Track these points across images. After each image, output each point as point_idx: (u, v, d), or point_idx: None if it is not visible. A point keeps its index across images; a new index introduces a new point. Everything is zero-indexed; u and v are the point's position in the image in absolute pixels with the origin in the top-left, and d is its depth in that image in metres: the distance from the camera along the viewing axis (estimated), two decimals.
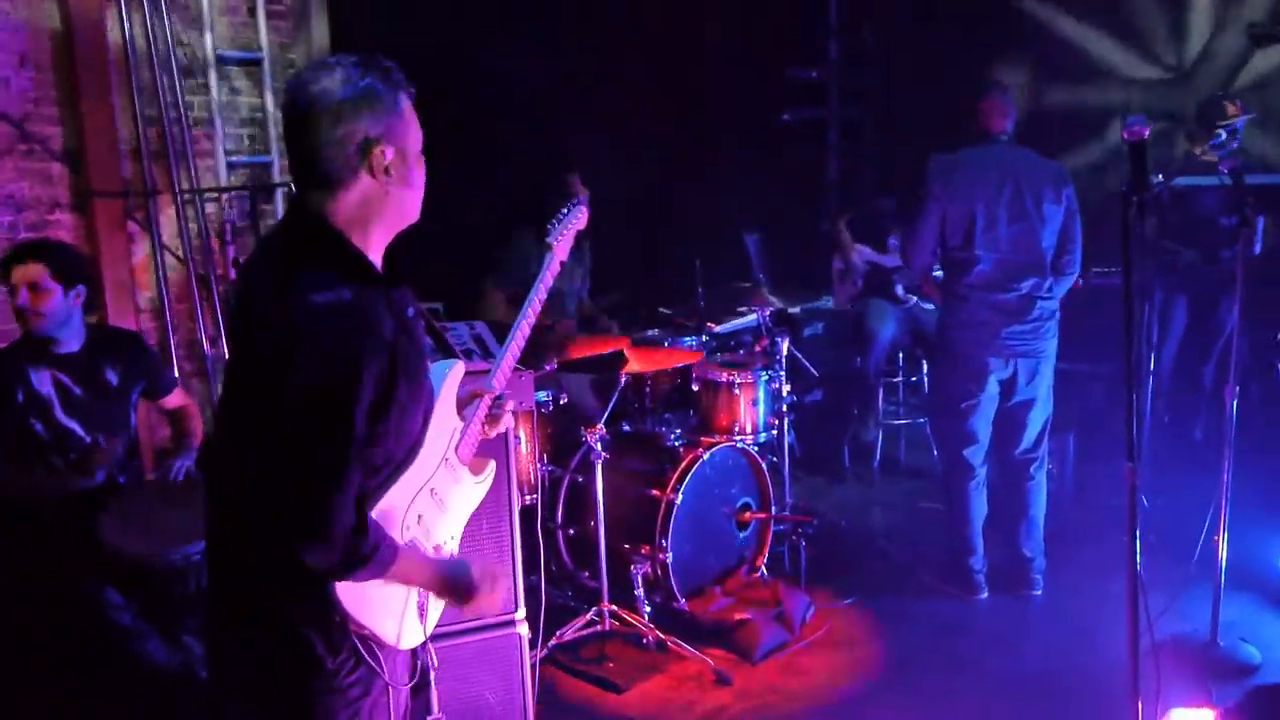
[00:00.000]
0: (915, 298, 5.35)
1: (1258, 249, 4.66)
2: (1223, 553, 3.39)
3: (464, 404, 2.05)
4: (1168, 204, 4.86)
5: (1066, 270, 3.93)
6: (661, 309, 5.19)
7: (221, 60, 4.63)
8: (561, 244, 2.26)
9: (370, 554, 1.64)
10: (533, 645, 3.11)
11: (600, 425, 3.69)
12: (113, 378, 3.28)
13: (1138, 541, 2.41)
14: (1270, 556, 4.03)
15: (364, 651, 1.75)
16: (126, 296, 4.40)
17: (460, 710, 2.85)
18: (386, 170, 1.70)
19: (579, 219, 2.33)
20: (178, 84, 4.48)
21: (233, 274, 4.63)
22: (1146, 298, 4.73)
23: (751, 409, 4.14)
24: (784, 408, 4.21)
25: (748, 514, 4.03)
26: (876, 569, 4.36)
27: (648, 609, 3.74)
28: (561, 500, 3.93)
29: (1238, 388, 3.37)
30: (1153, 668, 2.48)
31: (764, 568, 4.11)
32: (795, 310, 5.61)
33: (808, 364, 5.72)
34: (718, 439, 4.00)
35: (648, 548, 3.73)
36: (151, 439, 4.38)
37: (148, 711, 2.89)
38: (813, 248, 7.06)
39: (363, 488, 1.70)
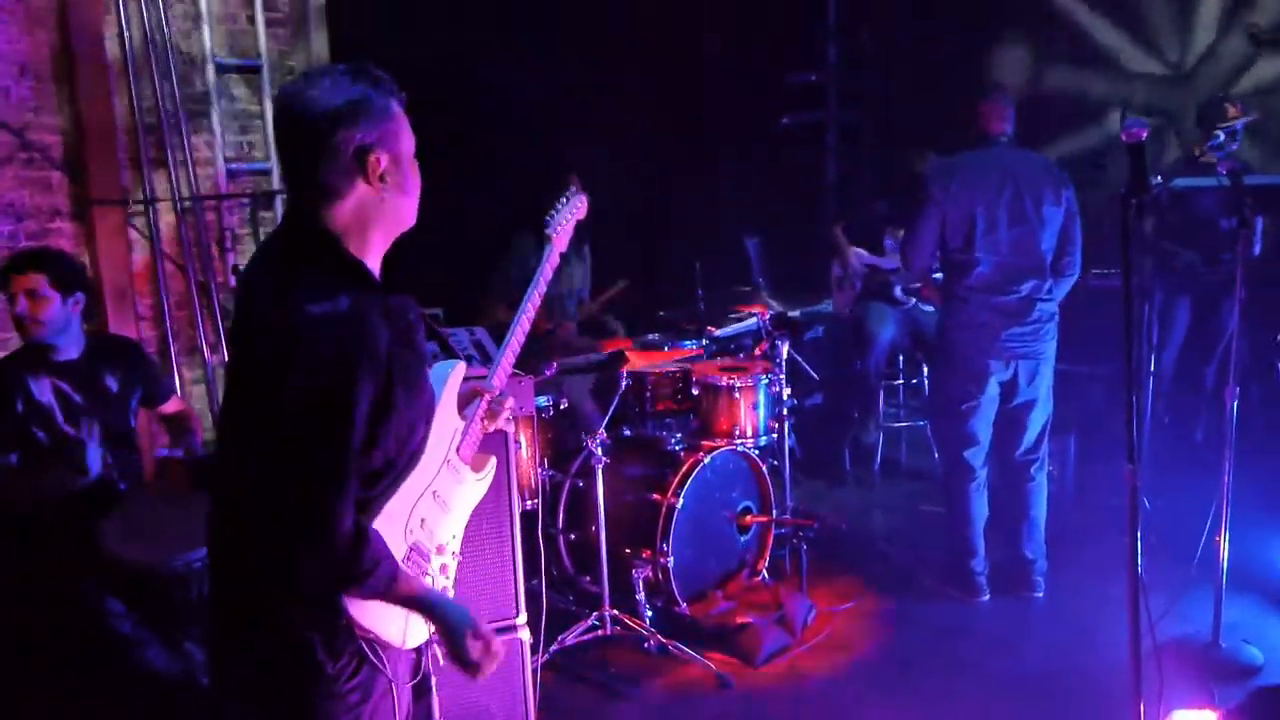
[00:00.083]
0: (914, 299, 5.36)
1: (1257, 250, 4.67)
2: (1224, 554, 3.39)
3: (464, 402, 2.05)
4: (1167, 205, 4.86)
5: (1066, 272, 3.93)
6: (662, 313, 5.19)
7: (220, 68, 4.64)
8: (561, 235, 2.26)
9: (369, 569, 1.65)
10: (534, 650, 3.11)
11: (601, 430, 3.69)
12: (112, 384, 3.29)
13: (1139, 543, 2.40)
14: (1272, 557, 4.03)
15: (369, 653, 1.75)
16: (127, 304, 4.40)
17: (462, 716, 2.85)
18: (382, 177, 1.70)
19: (578, 209, 2.32)
20: (177, 92, 4.49)
21: (233, 281, 4.64)
22: (1147, 299, 4.73)
23: (752, 412, 4.14)
24: (784, 411, 4.21)
25: (749, 518, 4.03)
26: (878, 572, 4.36)
27: (649, 613, 3.74)
28: (562, 505, 3.93)
29: (1238, 389, 3.36)
30: (1154, 669, 2.48)
31: (765, 571, 4.10)
32: (795, 313, 5.61)
33: (808, 367, 5.72)
34: (718, 443, 4.00)
35: (649, 552, 3.73)
36: (152, 446, 4.38)
37: (149, 719, 2.88)
38: (812, 251, 7.06)
39: (365, 495, 1.71)
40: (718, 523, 3.97)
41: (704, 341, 4.68)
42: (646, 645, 3.63)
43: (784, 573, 4.19)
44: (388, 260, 1.81)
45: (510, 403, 2.17)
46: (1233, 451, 3.35)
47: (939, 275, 4.47)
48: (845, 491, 5.42)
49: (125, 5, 4.31)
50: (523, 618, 3.02)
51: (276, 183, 4.80)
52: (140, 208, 4.46)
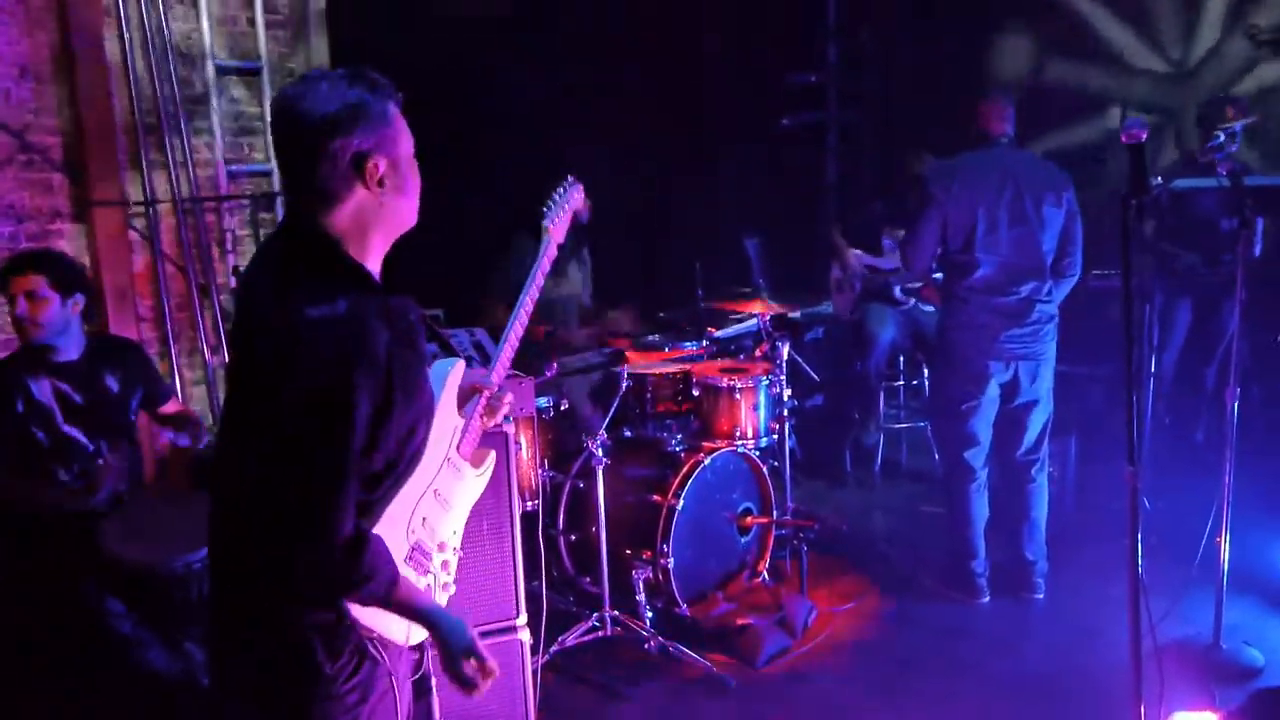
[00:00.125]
0: (913, 299, 5.36)
1: (1258, 251, 4.67)
2: (1225, 555, 3.39)
3: (463, 399, 2.05)
4: (1167, 206, 4.86)
5: (1067, 272, 3.94)
6: (662, 314, 5.19)
7: (220, 70, 4.64)
8: (558, 226, 2.25)
9: (366, 576, 1.65)
10: (534, 651, 3.11)
11: (601, 431, 3.69)
12: (113, 385, 3.29)
13: (1139, 544, 2.40)
14: (1273, 559, 4.03)
15: (372, 651, 1.76)
16: (127, 305, 4.40)
17: (462, 717, 2.84)
18: (380, 182, 1.70)
19: (575, 198, 2.30)
20: (177, 94, 4.49)
21: (233, 282, 4.64)
22: (1147, 300, 4.72)
23: (752, 414, 4.13)
24: (785, 412, 4.21)
25: (749, 519, 4.03)
26: (878, 573, 4.36)
27: (649, 614, 3.74)
28: (563, 506, 3.93)
29: (1239, 390, 3.36)
30: (1155, 671, 2.48)
31: (765, 572, 4.10)
32: (796, 315, 5.61)
33: (808, 368, 5.72)
34: (719, 444, 4.00)
35: (649, 553, 3.72)
36: (153, 447, 4.38)
37: (149, 719, 2.88)
38: (812, 252, 7.06)
39: (366, 498, 1.71)
40: (718, 524, 3.97)
41: (704, 343, 4.67)
42: (647, 646, 3.63)
43: (784, 574, 4.19)
44: (388, 261, 1.81)
45: (509, 398, 2.16)
46: (1233, 452, 3.35)
47: (939, 275, 4.47)
48: (846, 493, 5.42)
49: (125, 7, 4.32)
50: (523, 618, 3.02)
51: (276, 184, 4.80)
52: (141, 209, 4.46)
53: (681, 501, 3.70)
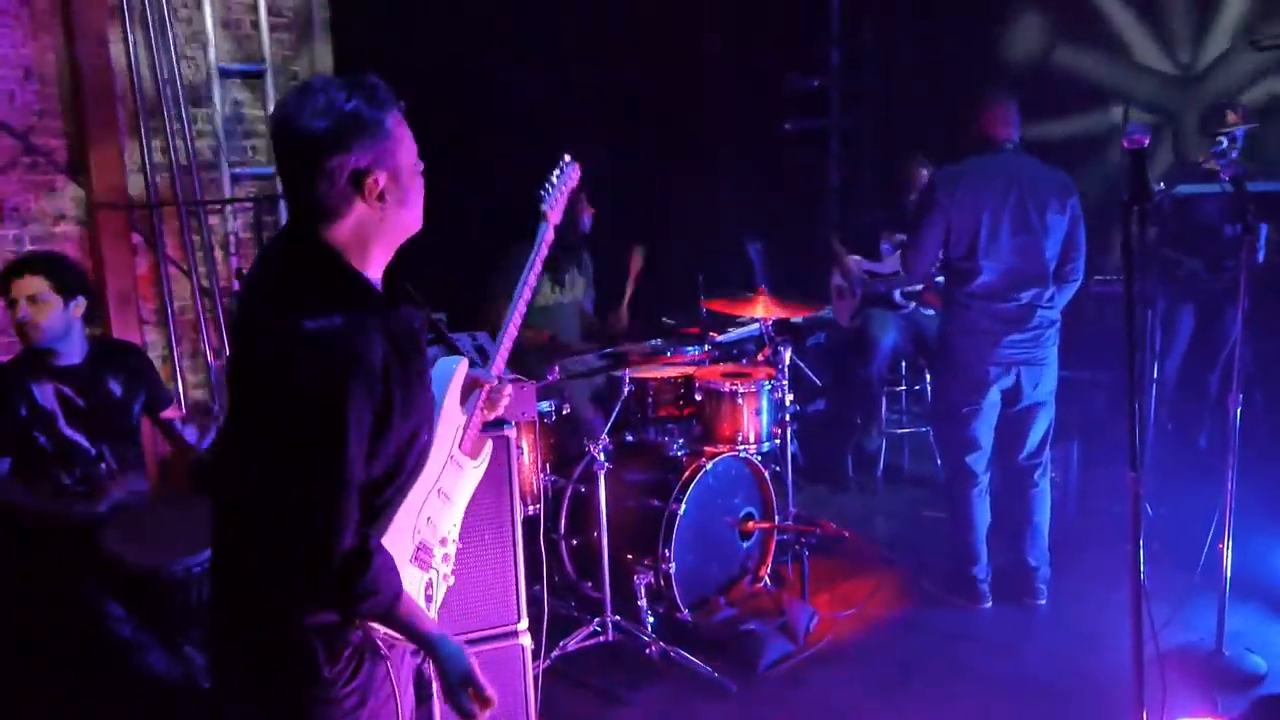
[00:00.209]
0: (913, 303, 5.36)
1: (1261, 257, 4.66)
2: (1228, 561, 3.38)
3: (464, 395, 2.05)
4: (1169, 212, 4.85)
5: (1070, 278, 3.93)
6: (664, 319, 5.19)
7: (224, 73, 4.65)
8: (555, 209, 2.21)
9: (364, 594, 1.65)
10: (535, 656, 3.11)
11: (603, 435, 3.69)
12: (115, 388, 3.29)
13: (1141, 550, 2.40)
14: (1276, 565, 4.01)
15: (381, 649, 1.76)
16: (131, 308, 4.41)
17: None
18: (380, 196, 1.68)
19: (571, 179, 2.26)
20: (181, 96, 4.50)
21: (236, 285, 4.64)
22: (1149, 305, 4.72)
23: (754, 418, 4.13)
24: (787, 417, 4.20)
25: (751, 524, 4.02)
26: (881, 578, 4.35)
27: (651, 619, 3.73)
28: (564, 510, 3.93)
29: (1241, 395, 3.36)
30: (1158, 677, 2.48)
31: (767, 577, 4.10)
32: (798, 319, 5.61)
33: (810, 373, 5.72)
34: (721, 449, 4.00)
35: (651, 558, 3.72)
36: (155, 451, 4.38)
37: None
38: (814, 256, 7.06)
39: (370, 505, 1.71)
40: (720, 529, 3.96)
41: (706, 347, 4.67)
42: (648, 651, 3.63)
43: (786, 579, 4.18)
44: (391, 265, 1.80)
45: (509, 389, 2.16)
46: (1236, 458, 3.34)
47: (940, 279, 4.47)
48: (848, 498, 5.42)
49: (130, 10, 4.33)
50: (524, 623, 3.02)
51: (280, 187, 4.81)
52: (144, 212, 4.47)
53: (683, 506, 3.70)
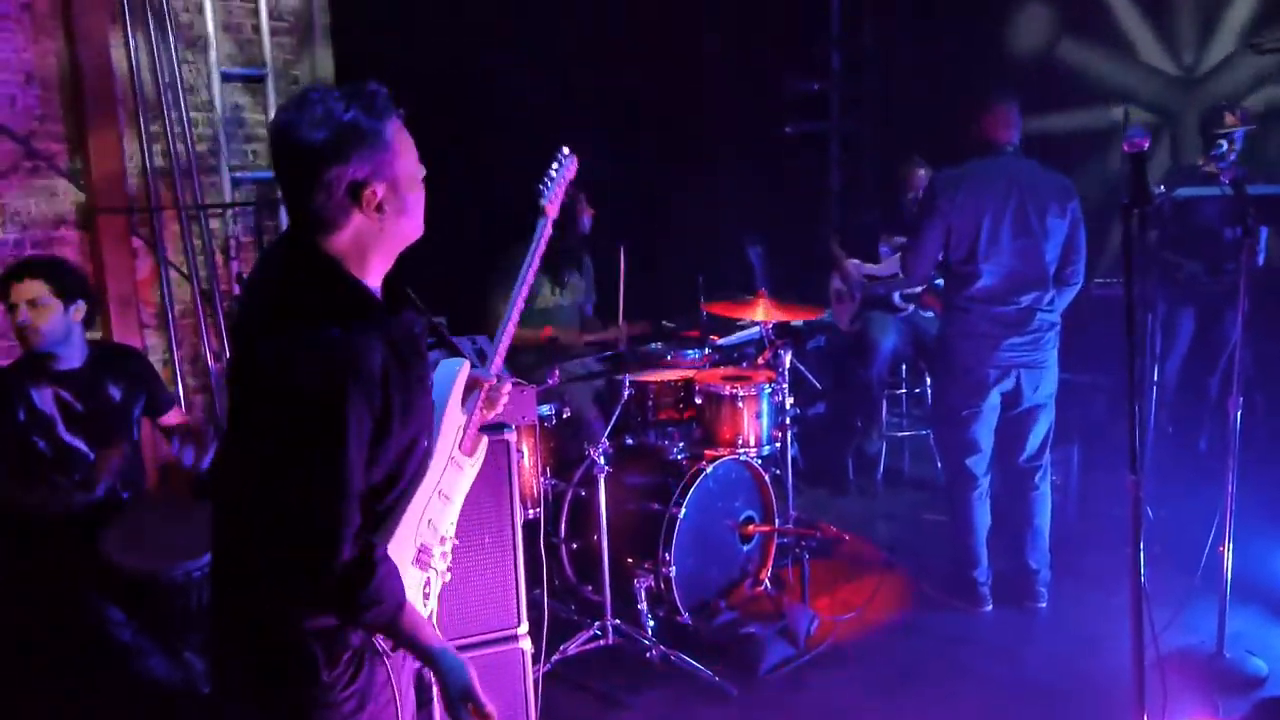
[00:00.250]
0: (912, 305, 5.36)
1: (1261, 260, 4.66)
2: (1228, 564, 3.38)
3: (465, 395, 2.05)
4: (1169, 215, 4.85)
5: (1070, 281, 3.94)
6: (664, 322, 5.19)
7: (225, 77, 4.66)
8: (553, 203, 2.19)
9: (372, 601, 1.65)
10: (536, 660, 3.11)
11: (603, 439, 3.69)
12: (115, 393, 3.29)
13: (1142, 553, 2.40)
14: (1276, 567, 4.01)
15: (381, 650, 1.76)
16: (131, 312, 4.41)
17: None
18: (379, 207, 1.68)
19: (569, 171, 2.24)
20: (182, 101, 4.51)
21: (237, 289, 4.65)
22: (1150, 308, 4.72)
23: (755, 422, 4.13)
24: (787, 420, 4.20)
25: (751, 527, 4.02)
26: (881, 582, 4.34)
27: (651, 623, 3.73)
28: (564, 514, 3.93)
29: (1241, 398, 3.36)
30: (1158, 680, 2.48)
31: (768, 581, 4.09)
32: (798, 322, 5.61)
33: (811, 376, 5.71)
34: (721, 452, 4.00)
35: (651, 562, 3.72)
36: (155, 456, 4.38)
37: None
38: (815, 259, 7.07)
39: (372, 511, 1.71)
40: (720, 532, 3.96)
41: (706, 351, 4.67)
42: (649, 655, 3.63)
43: (787, 582, 4.18)
44: (391, 270, 1.80)
45: (507, 387, 2.15)
46: (1236, 461, 3.34)
47: (940, 282, 4.47)
48: (848, 501, 5.42)
49: (131, 14, 4.33)
50: (524, 627, 3.02)
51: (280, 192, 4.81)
52: (145, 216, 4.47)
53: (684, 510, 3.70)
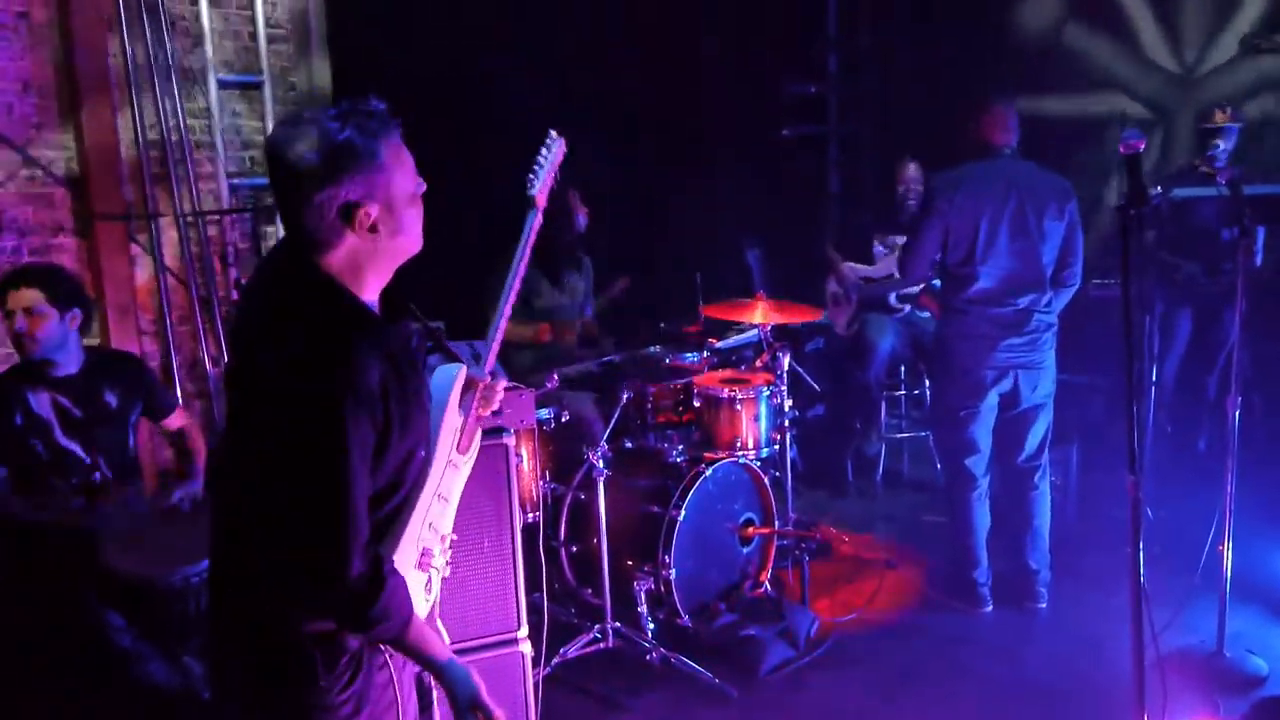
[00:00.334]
0: (908, 305, 5.36)
1: (1258, 260, 4.67)
2: (1228, 563, 3.38)
3: (461, 397, 2.06)
4: (1167, 216, 4.86)
5: (1068, 283, 3.94)
6: (662, 324, 5.19)
7: (222, 84, 4.66)
8: (542, 193, 2.14)
9: (381, 616, 1.65)
10: (535, 663, 3.11)
11: (602, 442, 3.69)
12: (112, 399, 3.29)
13: (1141, 553, 2.40)
14: (1276, 567, 4.01)
15: (377, 648, 1.76)
16: (129, 318, 4.41)
17: None
18: (373, 228, 1.67)
19: (557, 155, 2.19)
20: (179, 108, 4.51)
21: (235, 295, 4.65)
22: (1147, 309, 4.73)
23: (753, 424, 4.13)
24: (786, 422, 4.20)
25: (751, 529, 4.02)
26: (881, 583, 4.34)
27: (651, 626, 3.73)
28: (564, 517, 3.93)
29: (1240, 399, 3.36)
30: (1158, 680, 2.48)
31: (767, 583, 4.09)
32: (796, 324, 5.61)
33: (809, 378, 5.71)
34: (720, 454, 4.00)
35: (651, 564, 3.72)
36: (154, 460, 4.38)
37: None
38: (814, 261, 7.08)
39: (372, 519, 1.71)
40: (720, 534, 3.96)
41: (705, 353, 4.67)
42: (649, 658, 3.63)
43: (786, 584, 4.18)
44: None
45: (502, 384, 2.14)
46: (1235, 461, 3.35)
47: (937, 282, 4.47)
48: (847, 502, 5.41)
49: (128, 22, 4.34)
50: (524, 630, 3.02)
51: None
52: (143, 223, 4.48)
53: (683, 512, 3.70)
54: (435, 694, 2.51)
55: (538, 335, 4.53)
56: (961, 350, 3.94)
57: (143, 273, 4.52)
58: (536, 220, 2.13)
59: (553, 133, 2.21)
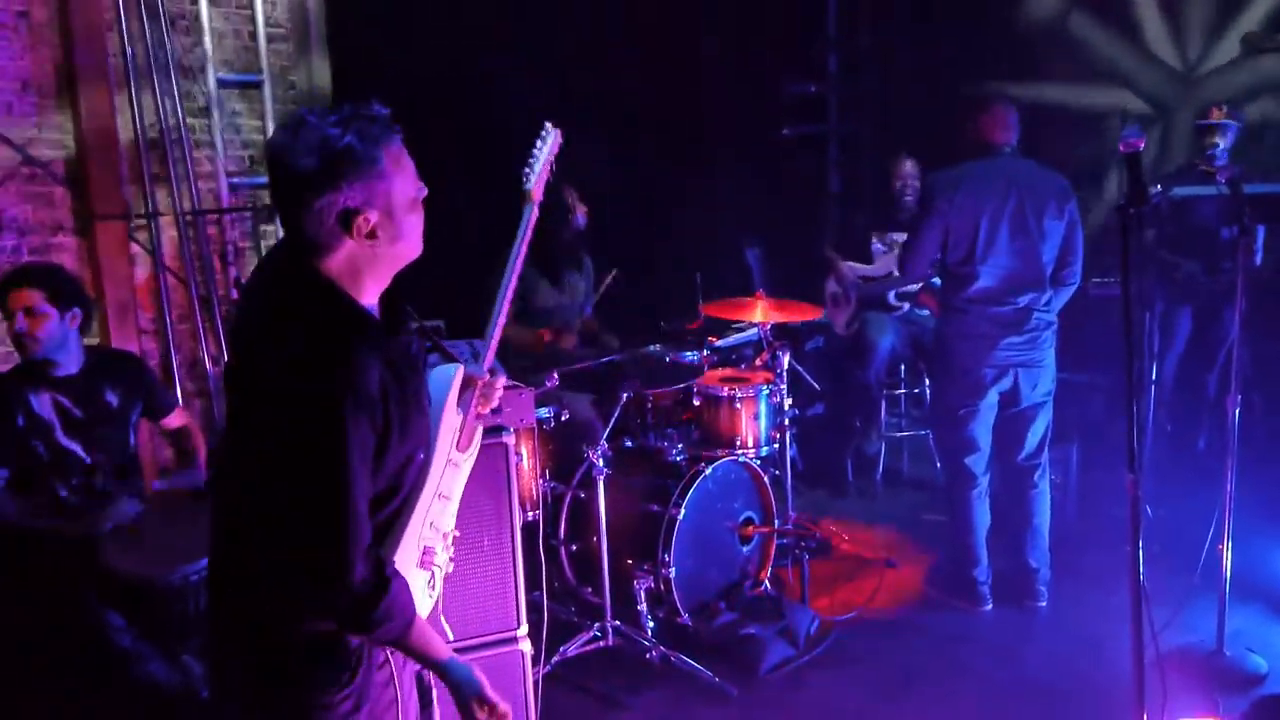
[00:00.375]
0: (907, 304, 5.36)
1: (1258, 259, 4.67)
2: (1227, 562, 3.38)
3: (460, 395, 2.06)
4: (1166, 214, 4.86)
5: (1067, 281, 3.94)
6: (662, 323, 5.19)
7: (222, 84, 4.66)
8: (538, 186, 2.13)
9: (384, 618, 1.66)
10: (535, 662, 3.11)
11: (602, 441, 3.69)
12: (112, 399, 3.29)
13: (1141, 551, 2.40)
14: (1275, 566, 4.02)
15: (386, 657, 1.77)
16: (129, 318, 4.42)
17: None
18: (371, 234, 1.66)
19: (553, 147, 2.18)
20: (179, 107, 4.51)
21: (234, 294, 4.65)
22: (1147, 307, 4.73)
23: (753, 423, 4.13)
24: (786, 421, 4.20)
25: (750, 528, 4.02)
26: (880, 582, 4.34)
27: (651, 624, 3.73)
28: (564, 516, 3.93)
29: (1239, 397, 3.36)
30: (1158, 679, 2.48)
31: (767, 582, 4.10)
32: (796, 323, 5.61)
33: (809, 377, 5.72)
34: (720, 453, 4.00)
35: (650, 563, 3.72)
36: (154, 460, 4.38)
37: None
38: (813, 261, 7.08)
39: (373, 521, 1.71)
40: (719, 533, 3.96)
41: (705, 352, 4.67)
42: (648, 656, 3.63)
43: (786, 583, 4.18)
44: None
45: (501, 381, 2.14)
46: (1235, 459, 3.35)
47: (936, 281, 4.47)
48: (847, 501, 5.41)
49: (127, 21, 4.34)
50: (524, 629, 3.02)
51: None
52: (142, 222, 4.48)
53: (683, 511, 3.70)
54: (435, 692, 2.52)
55: (538, 343, 4.52)
56: (961, 349, 3.94)
57: (142, 272, 4.52)
58: (533, 214, 2.12)
59: (548, 124, 2.20)
